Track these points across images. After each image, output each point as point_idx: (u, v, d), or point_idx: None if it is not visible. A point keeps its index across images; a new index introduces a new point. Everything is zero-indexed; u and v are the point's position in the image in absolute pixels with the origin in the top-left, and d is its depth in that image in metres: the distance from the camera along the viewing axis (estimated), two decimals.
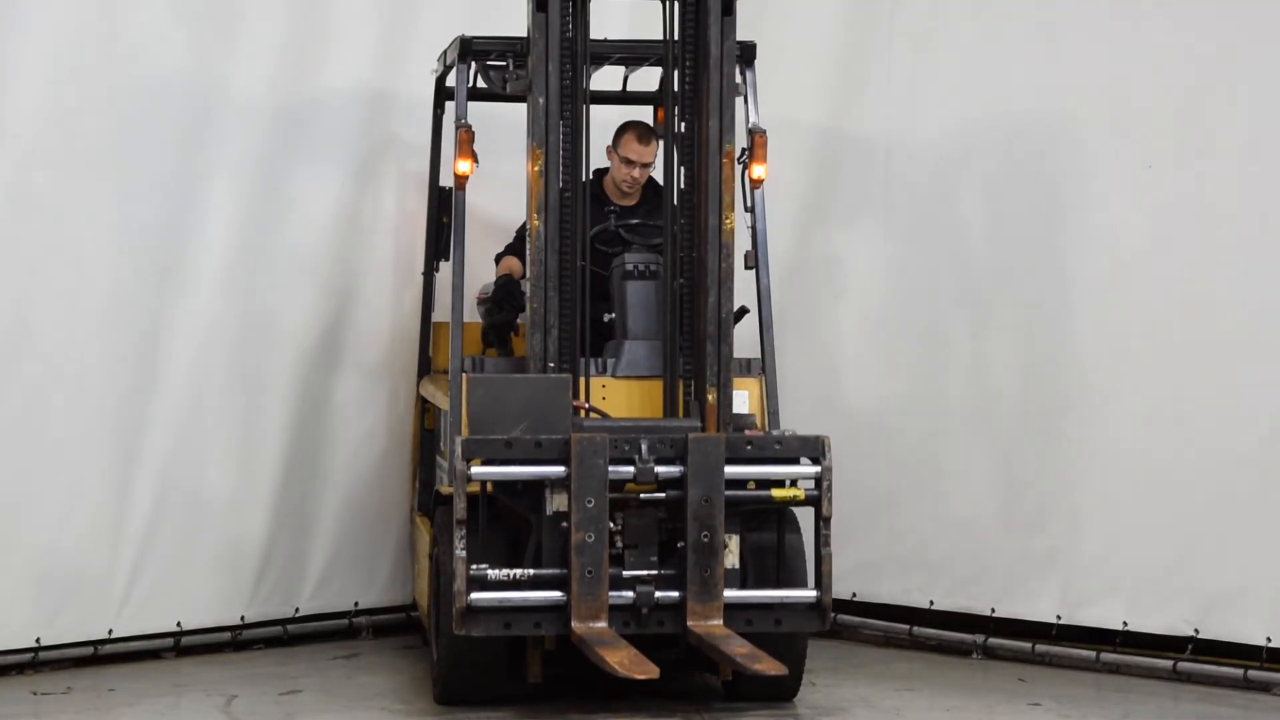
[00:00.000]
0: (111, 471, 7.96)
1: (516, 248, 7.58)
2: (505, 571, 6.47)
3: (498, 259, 7.67)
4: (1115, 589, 7.93)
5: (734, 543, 6.64)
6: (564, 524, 6.44)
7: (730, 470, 6.52)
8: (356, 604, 8.71)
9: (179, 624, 8.17)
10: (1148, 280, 7.82)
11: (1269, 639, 7.53)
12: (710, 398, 6.85)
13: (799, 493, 6.65)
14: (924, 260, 8.33)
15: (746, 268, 7.13)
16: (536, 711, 6.66)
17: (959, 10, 8.33)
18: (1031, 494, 8.05)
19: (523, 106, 7.23)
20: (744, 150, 7.05)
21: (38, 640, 7.78)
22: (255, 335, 8.47)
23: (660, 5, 6.94)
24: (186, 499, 8.15)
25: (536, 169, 6.85)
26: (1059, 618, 7.95)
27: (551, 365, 6.82)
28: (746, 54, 7.22)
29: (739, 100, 7.07)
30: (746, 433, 6.83)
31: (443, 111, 8.07)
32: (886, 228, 8.43)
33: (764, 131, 7.07)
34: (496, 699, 6.72)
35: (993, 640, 8.17)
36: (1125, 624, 7.92)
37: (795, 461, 6.64)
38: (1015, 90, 8.14)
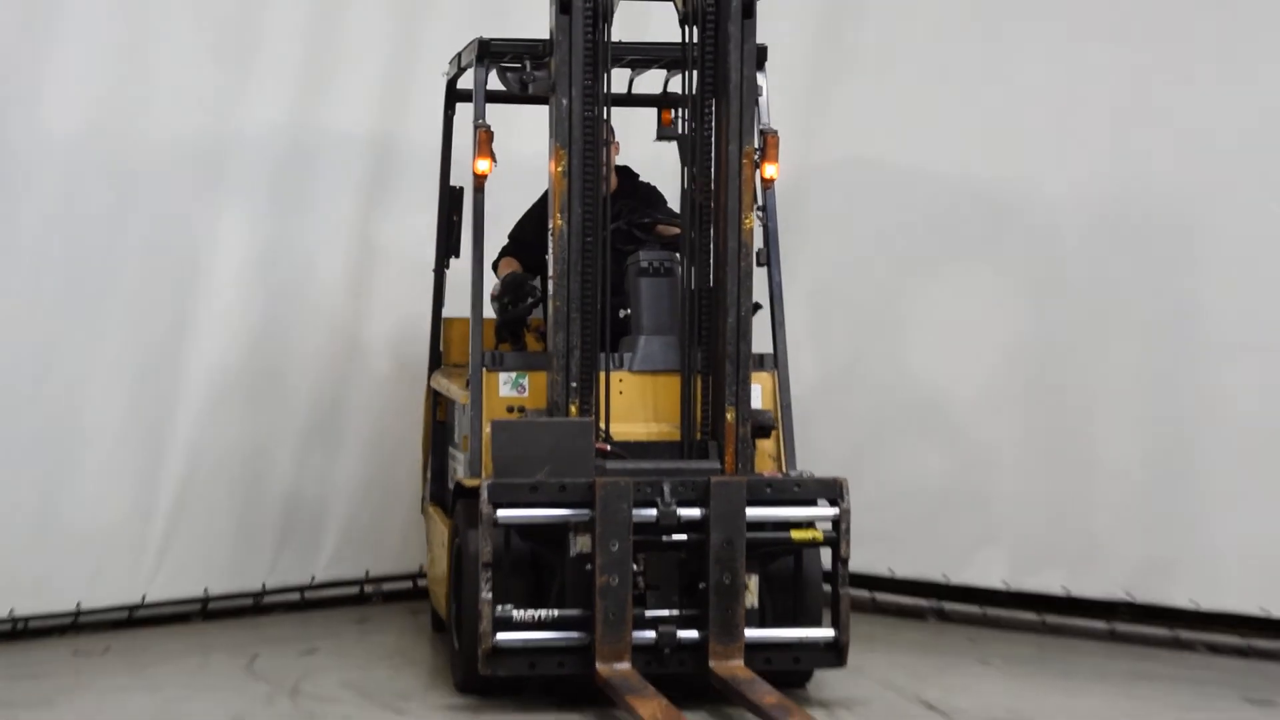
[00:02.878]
0: (145, 453, 8.10)
1: (512, 250, 7.40)
2: (530, 612, 6.16)
3: (495, 265, 7.42)
4: (1057, 559, 8.07)
5: (754, 583, 6.31)
6: (588, 566, 6.11)
7: (750, 513, 6.18)
8: (368, 572, 8.83)
9: (206, 590, 8.33)
10: (1082, 269, 8.06)
11: (1194, 603, 7.73)
12: (729, 417, 6.50)
13: (818, 534, 6.31)
14: (857, 257, 8.49)
15: (759, 265, 6.76)
16: (554, 700, 6.44)
17: (913, 41, 8.38)
18: (981, 473, 8.15)
19: (520, 108, 7.19)
20: (756, 150, 6.67)
21: (78, 605, 7.92)
22: (274, 330, 8.56)
23: (679, 8, 6.60)
24: (212, 478, 8.29)
25: (560, 169, 6.46)
26: (1006, 584, 8.12)
27: (574, 358, 6.50)
28: (759, 58, 6.78)
29: None
30: (765, 474, 6.48)
31: (453, 112, 7.79)
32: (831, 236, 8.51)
33: (775, 132, 6.70)
34: (516, 686, 6.43)
35: (947, 605, 8.30)
36: (1066, 590, 8.07)
37: (813, 503, 6.32)
38: (966, 114, 8.20)
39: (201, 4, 8.29)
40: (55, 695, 6.90)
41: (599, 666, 6.03)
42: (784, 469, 6.64)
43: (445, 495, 7.47)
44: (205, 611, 8.38)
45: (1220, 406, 7.71)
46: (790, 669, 6.34)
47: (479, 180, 6.73)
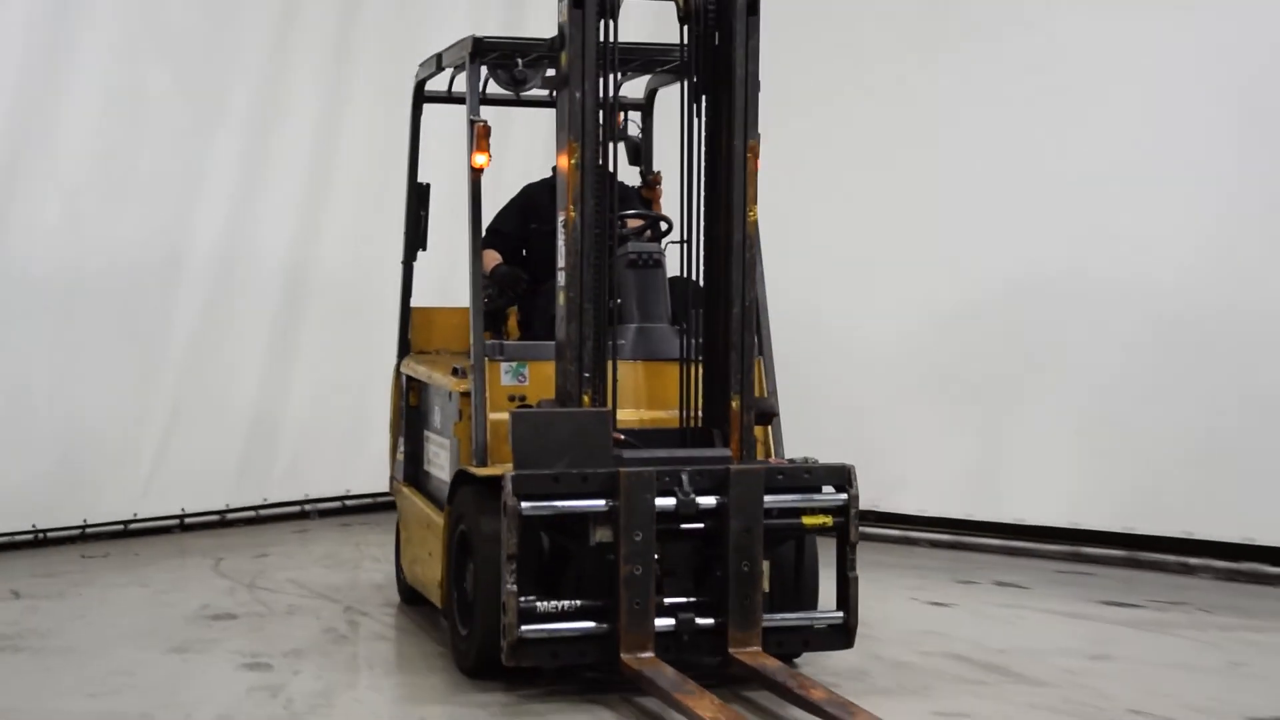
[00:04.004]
0: (135, 409, 8.30)
1: (490, 241, 6.33)
2: (553, 604, 5.14)
3: None
4: None
5: (766, 568, 5.33)
6: (609, 556, 5.12)
7: (765, 500, 5.25)
8: (307, 495, 9.10)
9: (183, 509, 8.59)
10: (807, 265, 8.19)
11: (922, 510, 8.24)
12: (734, 405, 5.49)
13: (827, 520, 5.39)
14: None
15: None
16: (563, 684, 5.37)
17: None
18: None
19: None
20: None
21: (84, 520, 8.19)
22: (242, 306, 8.57)
23: (679, 7, 5.58)
24: (189, 422, 8.49)
25: (573, 162, 5.43)
26: None
27: (587, 348, 5.40)
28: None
29: None
30: (771, 461, 5.62)
31: (420, 113, 6.85)
32: None
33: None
34: (525, 673, 5.30)
35: None
36: None
37: (819, 490, 5.41)
38: None
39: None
40: (67, 589, 7.13)
41: (624, 656, 5.11)
42: (772, 454, 5.81)
43: (420, 477, 6.71)
44: (183, 525, 8.65)
45: (930, 358, 8.04)
46: (800, 651, 5.49)
47: (475, 174, 5.77)
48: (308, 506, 9.10)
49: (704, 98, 5.54)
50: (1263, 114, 7.36)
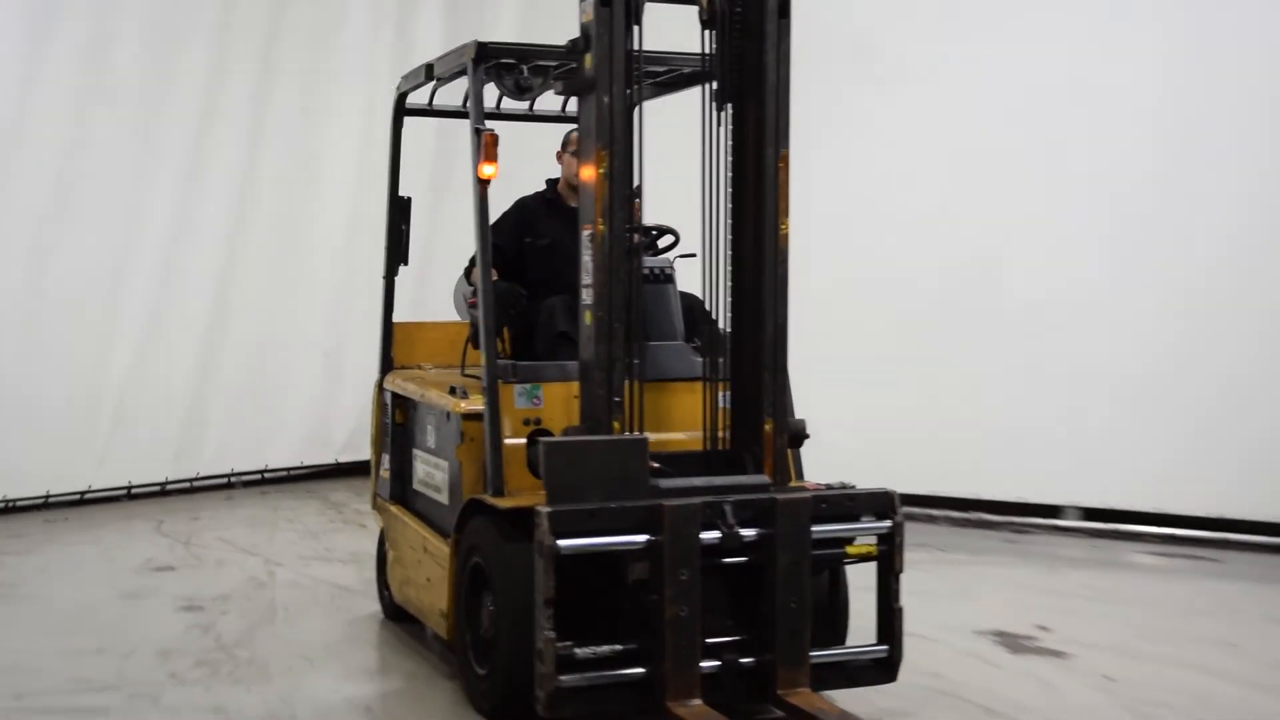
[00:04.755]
0: (92, 392, 8.47)
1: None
2: (592, 649, 4.23)
3: (467, 272, 5.51)
4: None
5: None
6: (652, 595, 4.24)
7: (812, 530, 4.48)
8: (233, 469, 9.26)
9: (130, 481, 8.78)
10: None
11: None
12: (767, 427, 4.61)
13: (872, 549, 4.50)
14: None
15: None
16: None
17: None
18: None
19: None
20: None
21: (47, 491, 8.41)
22: (178, 312, 8.65)
23: (702, 10, 4.66)
24: (135, 410, 8.60)
25: (601, 172, 4.52)
26: None
27: (617, 370, 4.50)
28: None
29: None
30: (809, 487, 4.65)
31: (401, 125, 6.01)
32: None
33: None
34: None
35: None
36: None
37: (860, 518, 4.52)
38: None
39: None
40: (32, 547, 7.44)
41: (670, 704, 4.22)
42: (793, 476, 4.91)
43: (409, 496, 5.84)
44: (130, 495, 8.83)
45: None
46: (843, 687, 4.59)
47: (483, 186, 4.85)
48: (233, 478, 9.22)
49: (730, 106, 4.71)
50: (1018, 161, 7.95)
